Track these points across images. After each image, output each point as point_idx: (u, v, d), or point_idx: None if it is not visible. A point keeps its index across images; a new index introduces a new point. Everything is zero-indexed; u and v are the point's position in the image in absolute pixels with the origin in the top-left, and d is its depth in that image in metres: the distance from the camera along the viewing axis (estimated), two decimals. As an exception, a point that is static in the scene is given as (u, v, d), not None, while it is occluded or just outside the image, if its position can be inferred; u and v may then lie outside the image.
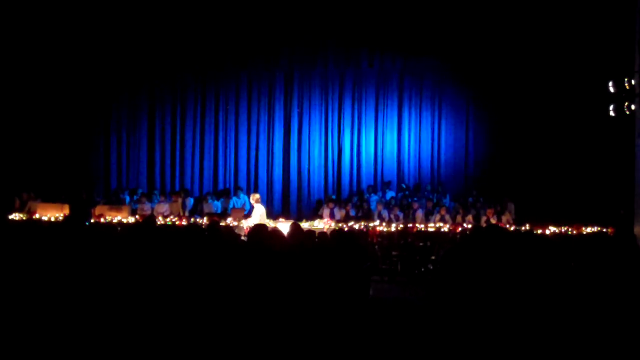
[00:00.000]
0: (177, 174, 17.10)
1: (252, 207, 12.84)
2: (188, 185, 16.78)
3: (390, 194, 15.87)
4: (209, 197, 15.43)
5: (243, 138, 17.09)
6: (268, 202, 16.52)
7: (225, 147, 17.12)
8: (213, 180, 17.10)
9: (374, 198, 15.44)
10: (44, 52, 15.73)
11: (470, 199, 15.13)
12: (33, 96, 15.92)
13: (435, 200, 15.10)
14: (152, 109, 17.09)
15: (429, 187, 16.10)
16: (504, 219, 13.63)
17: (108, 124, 16.99)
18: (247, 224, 12.05)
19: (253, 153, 17.08)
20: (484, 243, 5.32)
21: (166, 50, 16.23)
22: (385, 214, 14.10)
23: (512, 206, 14.42)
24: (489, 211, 13.69)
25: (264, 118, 17.06)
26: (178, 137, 17.06)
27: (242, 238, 8.15)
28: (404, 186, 16.26)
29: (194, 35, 15.98)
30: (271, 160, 16.99)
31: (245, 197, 15.19)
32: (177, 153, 17.09)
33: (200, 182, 17.08)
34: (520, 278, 4.80)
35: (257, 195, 12.53)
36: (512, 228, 12.32)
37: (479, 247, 5.33)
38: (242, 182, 16.78)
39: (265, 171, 17.02)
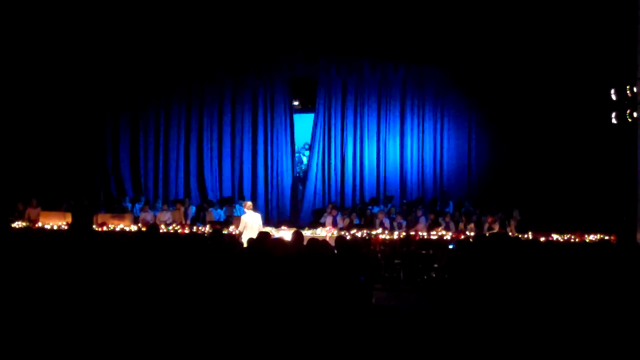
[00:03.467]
0: (181, 181, 17.07)
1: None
2: (190, 193, 16.77)
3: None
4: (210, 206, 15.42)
5: (246, 146, 17.05)
6: (270, 210, 16.51)
7: (228, 156, 17.09)
8: (218, 188, 17.05)
9: (377, 210, 15.37)
10: (46, 63, 15.81)
11: (470, 207, 15.10)
12: (34, 105, 15.98)
13: (438, 209, 15.04)
14: (155, 115, 17.09)
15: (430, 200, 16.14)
16: (508, 228, 13.60)
17: (106, 131, 16.95)
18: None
19: (255, 162, 17.04)
20: (490, 251, 5.32)
21: (167, 55, 16.29)
22: (387, 222, 14.07)
23: (516, 212, 14.41)
24: (490, 219, 13.67)
25: (266, 126, 17.03)
26: (182, 145, 17.04)
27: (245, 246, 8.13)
28: (405, 202, 16.18)
29: (196, 41, 16.05)
30: (273, 169, 16.96)
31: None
32: (179, 161, 17.06)
33: (202, 191, 17.04)
34: (524, 286, 4.79)
35: (249, 203, 12.47)
36: (514, 235, 12.30)
37: (485, 255, 5.34)
38: (245, 191, 16.75)
39: (268, 180, 16.97)
